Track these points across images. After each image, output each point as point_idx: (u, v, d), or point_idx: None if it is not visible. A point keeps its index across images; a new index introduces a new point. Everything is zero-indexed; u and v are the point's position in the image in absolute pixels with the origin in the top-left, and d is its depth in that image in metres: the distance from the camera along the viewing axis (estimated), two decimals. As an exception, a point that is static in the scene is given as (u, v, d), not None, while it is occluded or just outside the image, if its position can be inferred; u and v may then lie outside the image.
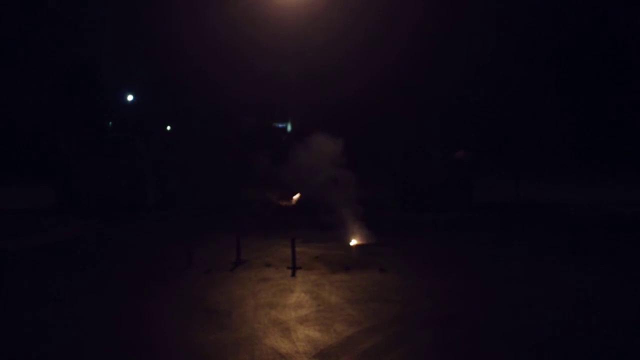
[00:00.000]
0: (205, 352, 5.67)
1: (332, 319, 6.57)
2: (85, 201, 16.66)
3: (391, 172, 17.99)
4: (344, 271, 9.05)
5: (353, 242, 11.48)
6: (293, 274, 8.89)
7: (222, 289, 8.08)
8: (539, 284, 8.10)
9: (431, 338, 5.96)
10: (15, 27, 22.05)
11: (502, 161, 20.99)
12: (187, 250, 9.79)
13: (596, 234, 12.64)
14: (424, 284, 8.19)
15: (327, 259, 10.05)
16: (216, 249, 10.79)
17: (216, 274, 8.97)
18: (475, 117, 21.90)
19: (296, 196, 11.78)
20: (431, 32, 20.79)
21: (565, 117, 22.76)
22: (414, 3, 20.23)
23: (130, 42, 22.31)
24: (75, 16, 22.42)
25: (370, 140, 21.16)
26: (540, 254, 10.31)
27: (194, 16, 21.07)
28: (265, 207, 15.10)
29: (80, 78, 22.98)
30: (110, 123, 26.79)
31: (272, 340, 5.94)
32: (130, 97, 27.28)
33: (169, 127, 25.34)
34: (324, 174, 11.38)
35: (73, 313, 7.03)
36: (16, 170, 23.94)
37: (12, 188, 21.75)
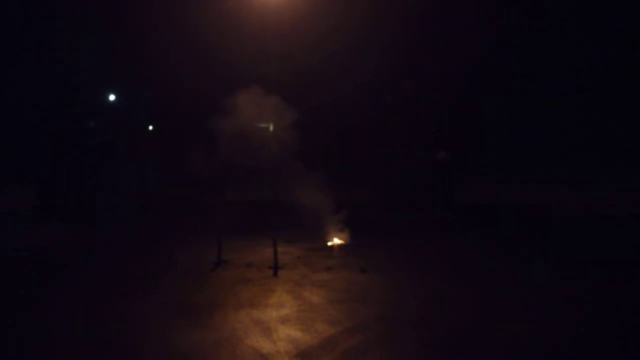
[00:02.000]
0: (187, 353, 5.64)
1: (313, 319, 6.58)
2: (66, 203, 16.52)
3: (374, 173, 18.07)
4: (325, 271, 9.08)
5: (335, 242, 11.51)
6: (275, 274, 8.89)
7: (203, 289, 8.05)
8: (521, 286, 8.18)
9: (412, 338, 5.98)
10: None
11: (489, 162, 21.11)
12: (168, 251, 9.75)
13: (576, 236, 12.79)
14: (405, 285, 8.23)
15: (309, 259, 10.07)
16: (197, 249, 10.76)
17: (197, 275, 8.95)
18: (461, 118, 21.97)
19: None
20: (419, 30, 20.86)
21: (557, 115, 22.91)
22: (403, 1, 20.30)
23: (111, 43, 22.12)
24: (52, 14, 22.21)
25: (355, 141, 21.19)
26: (523, 256, 10.41)
27: (173, 17, 20.96)
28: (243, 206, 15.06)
29: (62, 79, 22.75)
30: (92, 124, 26.51)
31: (253, 340, 5.94)
32: (112, 97, 27.02)
33: (150, 127, 25.17)
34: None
35: (53, 315, 6.96)
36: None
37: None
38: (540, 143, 22.67)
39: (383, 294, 7.72)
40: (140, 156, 18.56)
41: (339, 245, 11.35)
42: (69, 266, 9.91)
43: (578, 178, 21.14)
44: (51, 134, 18.40)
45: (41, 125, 20.71)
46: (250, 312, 6.90)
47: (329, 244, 11.46)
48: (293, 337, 6.00)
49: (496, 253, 10.68)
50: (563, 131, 22.50)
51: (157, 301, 7.50)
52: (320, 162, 12.19)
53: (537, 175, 21.97)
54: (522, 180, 19.60)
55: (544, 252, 10.68)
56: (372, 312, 6.83)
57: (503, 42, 20.70)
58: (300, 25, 19.66)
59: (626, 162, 21.56)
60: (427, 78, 19.89)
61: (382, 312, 6.87)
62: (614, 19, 21.00)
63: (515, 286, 8.06)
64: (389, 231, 13.51)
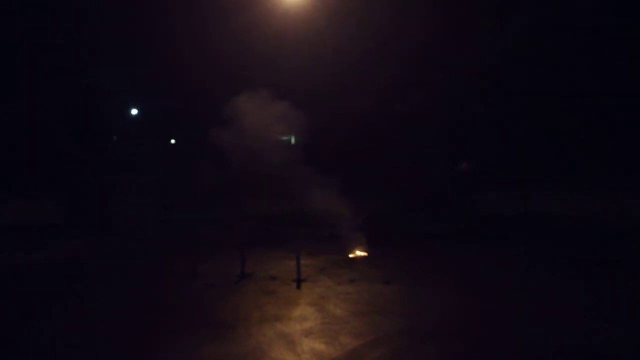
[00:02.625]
0: (211, 366, 5.71)
1: (337, 332, 6.61)
2: (92, 217, 16.79)
3: (396, 185, 18.05)
4: (348, 283, 9.10)
5: (357, 254, 11.53)
6: (298, 287, 8.94)
7: (227, 301, 8.13)
8: (539, 299, 8.12)
9: (434, 351, 5.98)
10: (19, 44, 22.35)
11: (508, 173, 20.96)
12: (192, 263, 9.86)
13: (600, 247, 12.61)
14: (427, 297, 8.21)
15: (332, 271, 10.10)
16: (221, 262, 10.85)
17: (221, 287, 9.03)
18: (481, 129, 21.90)
19: None
20: (436, 41, 20.88)
21: (574, 125, 22.71)
22: (419, 13, 20.34)
23: (133, 58, 22.50)
24: (77, 31, 22.70)
25: (376, 153, 21.22)
26: (542, 268, 10.31)
27: (196, 31, 21.26)
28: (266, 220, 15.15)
29: (87, 95, 23.20)
30: (115, 138, 26.93)
31: (277, 353, 5.98)
32: (134, 112, 27.43)
33: (173, 141, 25.48)
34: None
35: (81, 324, 7.09)
36: (23, 184, 24.07)
37: (18, 202, 21.89)
38: (556, 153, 22.49)
39: (406, 306, 7.72)
40: (163, 169, 18.79)
41: (362, 257, 11.36)
42: (95, 279, 10.05)
43: (594, 186, 20.94)
44: (76, 150, 18.72)
45: (67, 141, 21.11)
46: (274, 325, 6.95)
47: (351, 255, 11.47)
48: (317, 350, 6.03)
49: (519, 265, 10.59)
50: (575, 139, 22.32)
51: (182, 314, 7.58)
52: (341, 173, 12.26)
53: (554, 184, 21.76)
54: (539, 189, 19.34)
55: (567, 262, 10.57)
56: (395, 325, 6.84)
57: (515, 50, 20.66)
58: (319, 37, 19.85)
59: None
60: (441, 88, 19.92)
61: (405, 324, 6.87)
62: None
63: (538, 299, 7.99)
64: (411, 243, 13.48)
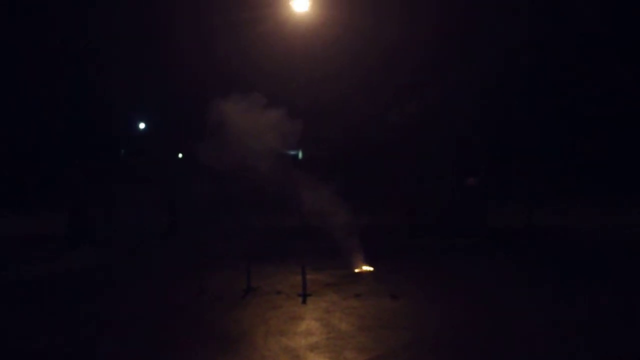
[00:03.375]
0: (216, 380, 5.69)
1: (342, 346, 6.59)
2: (98, 229, 16.82)
3: (403, 198, 18.01)
4: (354, 298, 9.07)
5: (364, 268, 11.50)
6: (304, 301, 8.91)
7: (233, 316, 8.12)
8: (550, 313, 8.06)
9: (441, 365, 5.95)
10: (27, 53, 22.63)
11: (514, 186, 20.92)
12: (199, 277, 9.86)
13: (610, 260, 12.50)
14: (435, 311, 8.18)
15: (338, 285, 10.07)
16: (227, 276, 10.84)
17: (227, 302, 9.02)
18: (487, 142, 21.90)
19: None
20: (441, 53, 20.97)
21: (579, 137, 22.72)
22: (424, 27, 20.46)
23: (142, 71, 22.71)
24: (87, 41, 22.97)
25: (383, 166, 21.23)
26: (553, 282, 10.24)
27: (203, 46, 21.44)
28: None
29: (96, 108, 23.43)
30: (122, 151, 27.13)
31: (282, 367, 5.96)
32: (142, 125, 27.64)
33: (180, 155, 25.62)
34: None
35: (88, 338, 7.10)
36: (28, 196, 24.25)
37: (24, 214, 22.03)
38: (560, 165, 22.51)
39: (412, 320, 7.68)
40: (170, 182, 18.87)
41: (368, 272, 11.33)
42: (99, 292, 10.07)
43: (600, 200, 20.91)
44: (82, 161, 18.83)
45: (73, 153, 21.26)
46: (280, 339, 6.93)
47: (357, 270, 11.44)
48: (322, 365, 6.01)
49: (531, 280, 10.52)
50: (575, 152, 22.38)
51: (188, 328, 7.58)
52: (345, 186, 12.25)
53: (558, 197, 21.71)
54: (542, 202, 19.22)
55: (578, 278, 10.49)
56: (401, 339, 6.81)
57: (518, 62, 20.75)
58: (325, 52, 19.99)
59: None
60: (446, 100, 20.00)
61: (411, 339, 6.84)
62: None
63: (547, 313, 7.94)
64: (417, 257, 13.41)
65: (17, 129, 23.27)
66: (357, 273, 11.26)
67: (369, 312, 8.19)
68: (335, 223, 11.95)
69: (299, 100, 17.12)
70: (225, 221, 16.45)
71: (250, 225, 16.83)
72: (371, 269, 11.48)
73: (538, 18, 20.66)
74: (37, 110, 23.26)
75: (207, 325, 7.68)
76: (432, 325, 7.46)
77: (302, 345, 6.70)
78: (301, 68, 17.87)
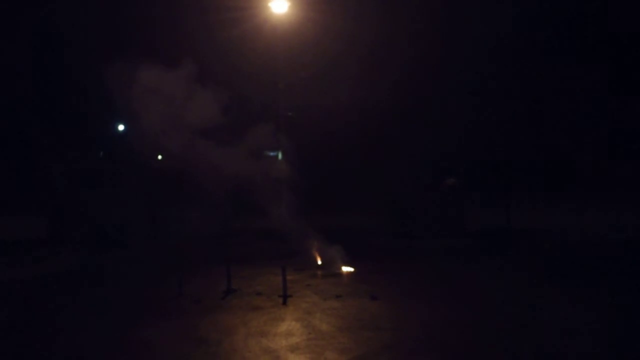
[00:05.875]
0: (196, 382, 5.64)
1: (323, 347, 6.58)
2: (77, 232, 16.62)
3: (383, 200, 18.04)
4: (335, 299, 9.06)
5: (344, 269, 11.50)
6: (284, 302, 8.88)
7: (213, 318, 8.06)
8: (530, 312, 8.12)
9: (422, 365, 5.96)
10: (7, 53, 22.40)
11: (492, 187, 21.11)
12: (178, 279, 9.77)
13: (587, 261, 12.62)
14: (415, 312, 8.19)
15: (318, 287, 10.05)
16: (206, 278, 10.77)
17: (207, 303, 8.95)
18: (465, 144, 22.14)
19: None
20: (424, 59, 21.13)
21: (553, 139, 23.09)
22: (409, 29, 20.60)
23: (120, 73, 22.53)
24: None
25: (363, 169, 21.30)
26: (530, 281, 10.33)
27: (183, 46, 21.32)
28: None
29: (73, 109, 23.17)
30: (101, 153, 26.83)
31: (263, 369, 5.93)
32: (121, 127, 27.37)
33: (160, 157, 25.42)
34: None
35: (66, 342, 7.00)
36: (6, 199, 23.91)
37: (3, 217, 21.68)
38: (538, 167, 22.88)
39: (393, 321, 7.69)
40: (149, 184, 18.67)
41: (348, 273, 11.33)
42: (78, 294, 9.94)
43: (576, 201, 21.24)
44: (61, 165, 18.58)
45: (52, 156, 20.99)
46: (260, 340, 6.90)
47: (338, 271, 11.44)
48: (303, 366, 5.99)
49: (507, 278, 10.60)
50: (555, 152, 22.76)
51: (167, 330, 7.51)
52: (325, 188, 12.26)
53: (535, 198, 22.02)
54: (520, 203, 19.42)
55: (554, 277, 10.59)
56: (382, 340, 6.82)
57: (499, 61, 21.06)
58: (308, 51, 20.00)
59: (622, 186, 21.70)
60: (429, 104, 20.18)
61: (391, 339, 6.85)
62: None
63: (528, 312, 8.00)
64: (398, 258, 13.43)
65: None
66: (338, 274, 11.26)
67: (350, 312, 8.19)
68: (314, 224, 11.96)
69: (278, 101, 17.10)
70: (205, 223, 16.35)
71: (228, 227, 16.77)
72: (352, 269, 11.49)
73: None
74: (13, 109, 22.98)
75: (186, 327, 7.61)
76: (413, 325, 7.48)
77: (283, 346, 6.67)
78: (281, 69, 17.81)
